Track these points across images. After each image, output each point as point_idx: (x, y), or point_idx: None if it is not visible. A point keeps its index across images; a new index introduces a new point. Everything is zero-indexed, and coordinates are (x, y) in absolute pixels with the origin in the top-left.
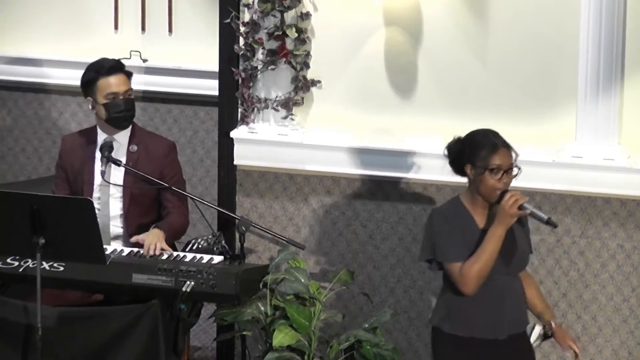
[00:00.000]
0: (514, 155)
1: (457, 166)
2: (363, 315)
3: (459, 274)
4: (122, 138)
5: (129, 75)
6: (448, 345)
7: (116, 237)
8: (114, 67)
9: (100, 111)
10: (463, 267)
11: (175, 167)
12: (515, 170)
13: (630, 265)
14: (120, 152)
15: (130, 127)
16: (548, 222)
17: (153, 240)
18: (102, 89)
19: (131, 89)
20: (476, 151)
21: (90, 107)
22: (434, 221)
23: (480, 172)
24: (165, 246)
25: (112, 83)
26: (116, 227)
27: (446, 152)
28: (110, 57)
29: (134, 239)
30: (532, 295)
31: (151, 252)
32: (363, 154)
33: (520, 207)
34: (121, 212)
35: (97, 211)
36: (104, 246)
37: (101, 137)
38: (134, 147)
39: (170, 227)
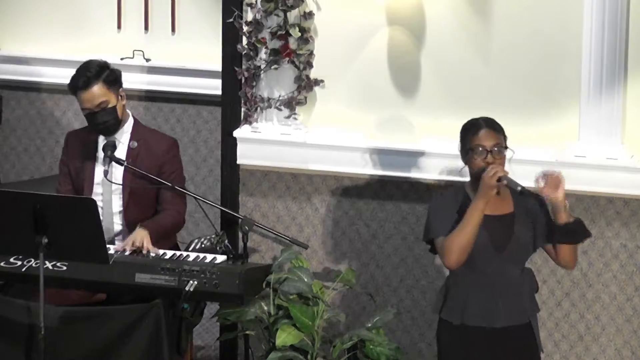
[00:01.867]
0: (501, 137)
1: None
2: (366, 315)
3: (441, 246)
4: (122, 135)
5: (109, 80)
6: (445, 332)
7: (117, 234)
8: (84, 82)
9: None
10: (445, 240)
11: (175, 164)
12: (507, 152)
13: (634, 265)
14: (120, 149)
15: (131, 123)
16: (521, 192)
17: (135, 239)
18: (79, 102)
19: (107, 99)
20: (463, 137)
21: None
22: (432, 202)
23: (467, 153)
24: (150, 245)
25: (84, 99)
26: (117, 224)
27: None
28: (112, 57)
29: (120, 246)
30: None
31: (136, 246)
32: (366, 154)
33: (499, 180)
34: (121, 209)
35: (100, 209)
36: (107, 245)
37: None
38: (134, 143)
39: (159, 226)
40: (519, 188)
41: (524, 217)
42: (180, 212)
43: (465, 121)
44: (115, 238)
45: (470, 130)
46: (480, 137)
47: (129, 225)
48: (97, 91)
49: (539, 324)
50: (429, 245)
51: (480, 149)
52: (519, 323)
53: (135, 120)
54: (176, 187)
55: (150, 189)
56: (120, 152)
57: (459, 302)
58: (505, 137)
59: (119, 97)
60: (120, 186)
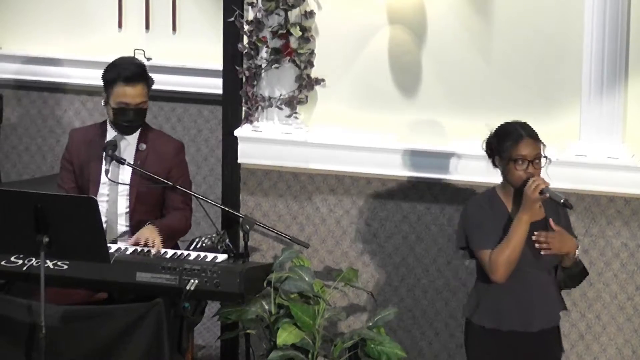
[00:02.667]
0: (540, 146)
1: (492, 160)
2: (367, 314)
3: (489, 261)
4: (131, 136)
5: (149, 84)
6: (477, 337)
7: (122, 235)
8: (134, 76)
9: (109, 112)
10: (492, 254)
11: (182, 169)
12: (543, 161)
13: (634, 264)
14: (128, 150)
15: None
16: (564, 204)
17: (147, 235)
18: (116, 94)
19: (146, 100)
20: (502, 142)
21: (102, 102)
22: (468, 209)
23: (506, 163)
24: (158, 241)
25: (127, 93)
26: (122, 225)
27: (484, 147)
28: (117, 55)
29: (130, 241)
30: None
31: (150, 244)
32: (367, 153)
33: (542, 192)
34: (127, 210)
35: (104, 209)
36: (108, 244)
37: (110, 134)
38: (143, 146)
39: (166, 227)
40: (562, 200)
41: (556, 221)
42: (187, 217)
43: (467, 120)
44: (119, 239)
45: (509, 139)
46: (521, 147)
47: (134, 227)
48: (142, 91)
49: None
50: (462, 250)
51: (521, 160)
52: (552, 325)
53: (144, 122)
54: (177, 187)
55: (156, 192)
56: (129, 154)
57: (494, 307)
58: (543, 145)
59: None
60: (127, 187)
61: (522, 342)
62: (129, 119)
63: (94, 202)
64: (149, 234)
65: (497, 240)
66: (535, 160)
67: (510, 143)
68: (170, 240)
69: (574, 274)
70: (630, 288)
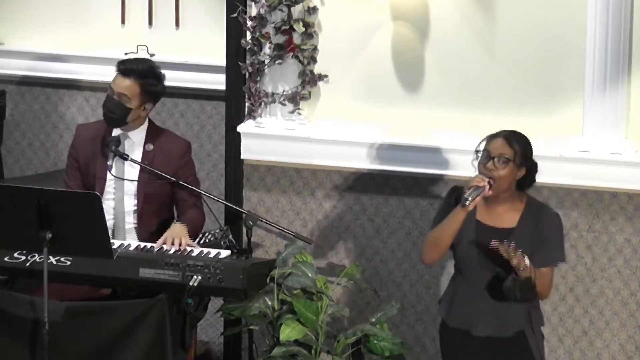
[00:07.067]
0: (513, 151)
1: None
2: (370, 310)
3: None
4: (136, 136)
5: (144, 85)
6: (440, 327)
7: (129, 232)
8: (128, 70)
9: None
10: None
11: (189, 168)
12: (511, 166)
13: (638, 260)
14: (136, 151)
15: (146, 125)
16: (462, 204)
17: (177, 234)
18: (112, 81)
19: (129, 96)
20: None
21: None
22: (445, 195)
23: (476, 159)
24: (190, 240)
25: (115, 81)
26: (129, 223)
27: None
28: (120, 51)
29: (159, 242)
30: None
31: (176, 247)
32: (370, 149)
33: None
34: (134, 209)
35: (111, 207)
36: (112, 241)
37: (116, 131)
38: (150, 146)
39: (191, 222)
40: (463, 201)
41: (526, 234)
42: (203, 213)
43: (471, 115)
44: (127, 236)
45: (488, 138)
46: (490, 143)
47: (142, 227)
48: (128, 84)
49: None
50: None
51: (485, 154)
52: (502, 335)
53: (150, 121)
54: (183, 184)
55: (164, 191)
56: (136, 153)
57: (447, 301)
58: (519, 153)
59: (143, 107)
60: (134, 186)
61: (470, 343)
62: (106, 105)
63: (97, 198)
64: (178, 233)
65: None
66: (497, 158)
67: (486, 141)
68: (194, 237)
69: (523, 287)
70: (633, 284)
